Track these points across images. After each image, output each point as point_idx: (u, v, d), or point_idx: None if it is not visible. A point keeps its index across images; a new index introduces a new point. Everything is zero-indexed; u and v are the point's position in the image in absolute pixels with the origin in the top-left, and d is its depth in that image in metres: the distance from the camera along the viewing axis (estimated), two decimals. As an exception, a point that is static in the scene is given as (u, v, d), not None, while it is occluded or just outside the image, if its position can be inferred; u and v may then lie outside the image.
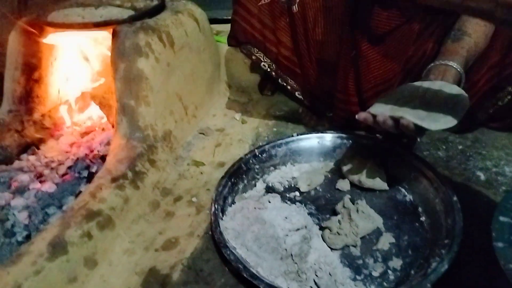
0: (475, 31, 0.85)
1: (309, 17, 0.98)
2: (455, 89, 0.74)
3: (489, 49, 0.89)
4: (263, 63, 1.08)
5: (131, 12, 1.06)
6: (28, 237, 0.78)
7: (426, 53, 0.94)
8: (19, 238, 0.77)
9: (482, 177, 0.87)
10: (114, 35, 0.93)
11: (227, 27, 1.37)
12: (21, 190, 0.87)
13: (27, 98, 1.08)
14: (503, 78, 0.89)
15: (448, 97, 0.73)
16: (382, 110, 0.75)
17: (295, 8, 0.99)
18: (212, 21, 1.28)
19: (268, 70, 1.09)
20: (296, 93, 1.13)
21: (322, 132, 0.96)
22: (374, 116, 0.74)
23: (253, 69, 1.31)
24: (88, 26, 0.98)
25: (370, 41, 0.93)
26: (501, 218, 0.54)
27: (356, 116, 0.76)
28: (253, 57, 1.07)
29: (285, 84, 1.11)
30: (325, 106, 1.09)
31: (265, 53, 1.06)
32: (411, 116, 0.70)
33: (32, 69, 1.08)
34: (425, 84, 0.78)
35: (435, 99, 0.73)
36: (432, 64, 0.83)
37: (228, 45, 1.13)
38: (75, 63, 1.13)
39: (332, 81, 1.02)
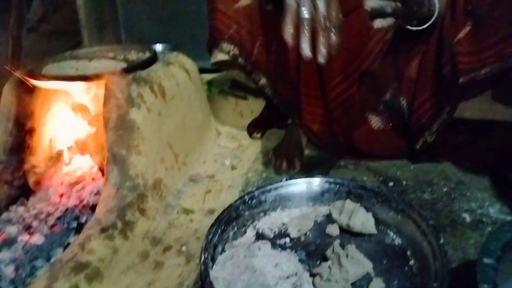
0: None
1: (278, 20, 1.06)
2: None
3: (427, 68, 0.98)
4: (239, 58, 1.13)
5: (124, 65, 1.10)
6: (14, 292, 0.76)
7: (381, 42, 1.00)
8: (5, 293, 0.76)
9: (468, 218, 0.88)
10: (107, 86, 0.97)
11: (217, 76, 1.44)
12: (8, 243, 0.86)
13: (19, 149, 1.09)
14: (440, 96, 0.96)
15: None
16: None
17: (269, 6, 1.07)
18: (202, 70, 1.33)
19: (243, 65, 1.14)
20: (266, 90, 1.18)
21: (310, 177, 0.98)
22: None
23: (243, 116, 1.36)
24: (82, 79, 1.01)
25: None
26: (485, 260, 0.55)
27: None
28: (231, 53, 1.12)
29: (256, 80, 1.17)
30: (293, 108, 1.14)
31: (240, 49, 1.12)
32: None
33: (25, 120, 1.09)
34: None
35: None
36: None
37: (208, 49, 1.17)
38: (68, 114, 1.15)
39: (298, 82, 1.08)
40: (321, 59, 0.70)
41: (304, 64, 1.05)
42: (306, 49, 0.70)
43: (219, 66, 1.21)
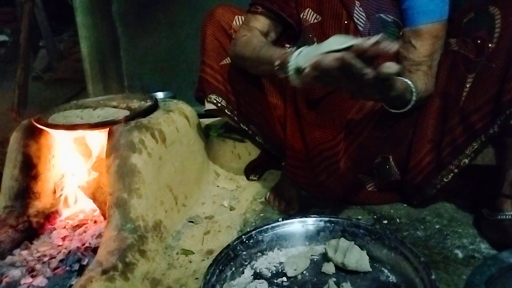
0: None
1: (261, 79, 1.14)
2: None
3: (425, 132, 1.01)
4: (226, 109, 1.21)
5: (126, 112, 1.17)
6: (15, 336, 0.77)
7: (366, 115, 1.05)
8: (7, 337, 0.77)
9: (460, 255, 0.90)
10: (110, 133, 1.02)
11: (215, 120, 1.50)
12: (12, 286, 0.87)
13: (24, 194, 1.12)
14: (443, 158, 0.99)
15: None
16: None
17: None
18: (203, 115, 1.40)
19: (231, 115, 1.22)
20: (257, 137, 1.26)
21: (306, 216, 1.00)
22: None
23: (240, 158, 1.40)
24: (86, 127, 1.07)
25: (308, 106, 1.05)
26: (471, 294, 0.58)
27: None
28: (219, 105, 1.20)
29: (246, 129, 1.24)
30: (283, 154, 1.18)
31: (228, 101, 1.20)
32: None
33: (30, 167, 1.14)
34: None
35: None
36: None
37: (195, 98, 1.25)
38: (71, 160, 1.20)
39: (284, 137, 1.13)
40: None
41: (289, 123, 1.10)
42: None
43: (211, 114, 1.28)
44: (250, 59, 1.01)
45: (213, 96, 1.19)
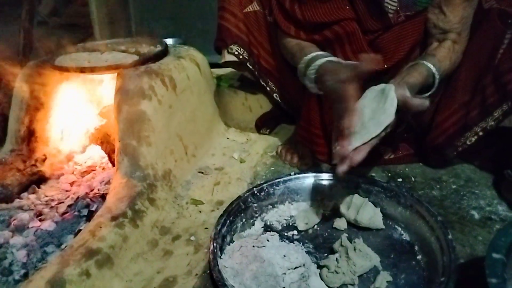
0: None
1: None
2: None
3: (454, 91, 0.96)
4: (248, 62, 1.15)
5: (135, 57, 1.11)
6: (25, 276, 0.77)
7: None
8: (17, 277, 0.77)
9: (476, 216, 0.88)
10: (119, 78, 0.98)
11: (227, 71, 1.44)
12: (20, 229, 0.87)
13: (30, 137, 1.10)
14: (470, 119, 0.94)
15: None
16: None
17: (270, 18, 1.09)
18: (213, 65, 1.34)
19: (252, 69, 1.16)
20: (274, 95, 1.22)
21: (319, 171, 0.98)
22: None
23: (252, 110, 1.36)
24: (94, 70, 1.02)
25: None
26: (494, 255, 0.55)
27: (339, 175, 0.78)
28: (240, 57, 1.14)
29: (264, 85, 1.20)
30: (298, 114, 1.14)
31: (249, 53, 1.14)
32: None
33: (36, 110, 1.11)
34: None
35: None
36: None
37: (215, 48, 1.19)
38: (79, 104, 1.17)
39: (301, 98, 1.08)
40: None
41: (308, 101, 1.05)
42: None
43: (228, 66, 1.22)
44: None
45: (234, 47, 1.12)
